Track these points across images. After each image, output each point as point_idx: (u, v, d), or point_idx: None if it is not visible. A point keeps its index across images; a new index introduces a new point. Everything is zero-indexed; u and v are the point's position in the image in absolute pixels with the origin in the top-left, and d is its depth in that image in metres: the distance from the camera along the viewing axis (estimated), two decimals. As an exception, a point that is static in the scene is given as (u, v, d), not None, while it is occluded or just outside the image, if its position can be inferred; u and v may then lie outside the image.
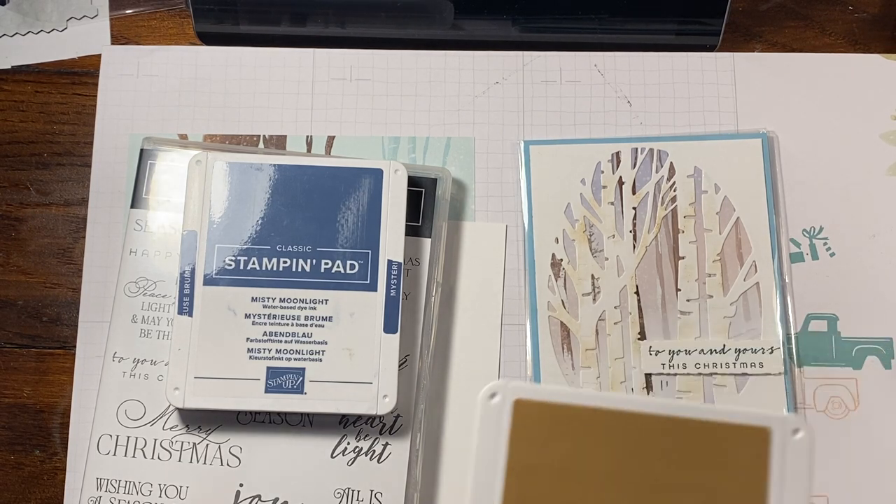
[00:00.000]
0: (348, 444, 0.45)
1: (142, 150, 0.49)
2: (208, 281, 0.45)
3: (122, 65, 0.52)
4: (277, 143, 0.51)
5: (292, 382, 0.44)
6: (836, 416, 0.47)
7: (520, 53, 0.52)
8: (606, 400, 0.26)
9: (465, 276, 0.49)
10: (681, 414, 0.25)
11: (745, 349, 0.47)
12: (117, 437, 0.45)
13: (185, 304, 0.45)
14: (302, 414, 0.45)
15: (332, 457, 0.45)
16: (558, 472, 0.25)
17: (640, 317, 0.48)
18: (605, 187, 0.50)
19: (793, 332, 0.48)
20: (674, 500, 0.24)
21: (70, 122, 0.52)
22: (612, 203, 0.50)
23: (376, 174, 0.46)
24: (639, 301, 0.48)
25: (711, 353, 0.48)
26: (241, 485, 0.45)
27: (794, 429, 0.26)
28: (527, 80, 0.52)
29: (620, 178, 0.50)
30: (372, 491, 0.45)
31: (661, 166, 0.50)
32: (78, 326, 0.48)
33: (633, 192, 0.50)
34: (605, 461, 0.25)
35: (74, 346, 0.48)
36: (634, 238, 0.49)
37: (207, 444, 0.45)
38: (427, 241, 0.48)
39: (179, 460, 0.45)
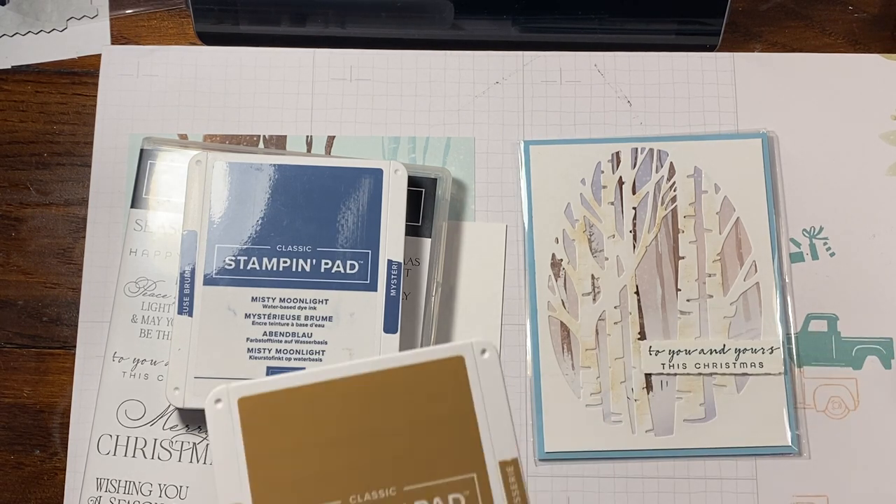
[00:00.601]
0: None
1: (142, 150, 0.49)
2: (208, 281, 0.45)
3: (122, 65, 0.52)
4: (277, 143, 0.51)
5: None
6: (836, 416, 0.47)
7: (520, 53, 0.52)
8: (318, 375, 0.28)
9: (465, 276, 0.49)
10: (385, 366, 0.28)
11: (745, 349, 0.47)
12: (117, 437, 0.45)
13: (185, 304, 0.45)
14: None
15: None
16: (295, 451, 0.28)
17: (640, 317, 0.48)
18: (605, 187, 0.50)
19: (793, 332, 0.48)
20: (401, 441, 0.28)
21: (70, 122, 0.52)
22: (612, 203, 0.50)
23: (376, 174, 0.46)
24: (639, 301, 0.48)
25: (711, 353, 0.48)
26: (241, 485, 0.45)
27: (482, 350, 0.29)
28: (527, 80, 0.52)
29: (620, 178, 0.50)
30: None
31: (661, 166, 0.50)
32: (78, 326, 0.48)
33: (633, 192, 0.50)
34: (334, 428, 0.28)
35: (74, 346, 0.48)
36: (634, 238, 0.49)
37: (207, 444, 0.45)
38: (427, 241, 0.48)
39: (179, 460, 0.45)
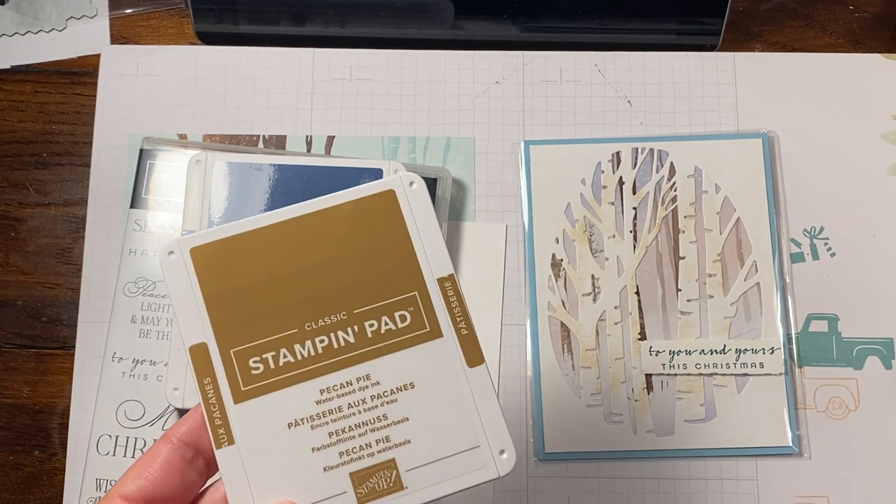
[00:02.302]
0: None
1: (141, 150, 0.49)
2: (208, 281, 0.45)
3: (122, 64, 0.51)
4: (277, 142, 0.51)
5: None
6: (836, 416, 0.47)
7: (520, 53, 0.52)
8: (262, 219, 0.31)
9: (465, 277, 0.49)
10: (324, 206, 0.31)
11: (746, 349, 0.47)
12: (117, 437, 0.45)
13: (185, 305, 0.45)
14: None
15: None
16: (249, 290, 0.30)
17: (641, 317, 0.48)
18: (605, 187, 0.50)
19: (793, 333, 0.48)
20: (346, 271, 0.30)
21: (69, 122, 0.52)
22: (613, 203, 0.49)
23: (376, 174, 0.46)
24: (639, 301, 0.48)
25: (712, 353, 0.47)
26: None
27: (410, 182, 0.31)
28: (527, 80, 0.52)
29: (621, 178, 0.50)
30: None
31: (662, 166, 0.50)
32: (77, 326, 0.48)
33: (634, 192, 0.50)
34: (282, 265, 0.30)
35: (74, 347, 0.48)
36: (635, 238, 0.49)
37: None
38: (427, 241, 0.47)
39: (179, 461, 0.45)
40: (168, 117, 0.51)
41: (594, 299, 0.48)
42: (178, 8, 0.54)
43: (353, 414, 0.30)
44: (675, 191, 0.49)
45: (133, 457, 0.45)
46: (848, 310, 0.48)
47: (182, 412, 0.45)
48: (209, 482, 0.30)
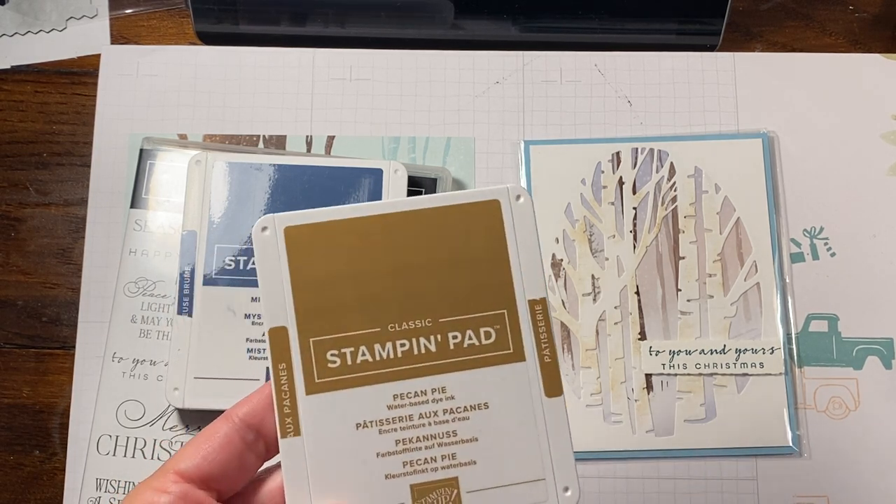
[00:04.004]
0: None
1: (141, 150, 0.49)
2: (208, 281, 0.45)
3: (122, 65, 0.51)
4: (277, 142, 0.51)
5: None
6: (836, 416, 0.47)
7: (520, 53, 0.52)
8: (361, 209, 0.30)
9: (466, 277, 0.49)
10: (426, 205, 0.30)
11: (746, 349, 0.47)
12: (117, 437, 0.45)
13: (185, 304, 0.45)
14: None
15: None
16: (337, 279, 0.29)
17: (641, 317, 0.48)
18: (605, 187, 0.50)
19: (793, 333, 0.48)
20: (438, 277, 0.29)
21: (69, 122, 0.52)
22: (613, 203, 0.49)
23: (376, 174, 0.46)
24: (639, 301, 0.48)
25: (712, 353, 0.47)
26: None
27: (517, 195, 0.30)
28: (527, 80, 0.52)
29: (621, 178, 0.50)
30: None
31: (662, 166, 0.50)
32: (77, 326, 0.48)
33: (634, 192, 0.50)
34: (375, 260, 0.29)
35: (74, 346, 0.48)
36: (635, 238, 0.49)
37: None
38: (427, 241, 0.47)
39: (179, 461, 0.45)
40: (168, 117, 0.51)
41: (594, 299, 0.48)
42: (178, 8, 0.54)
43: (424, 425, 0.29)
44: (675, 191, 0.49)
45: (133, 457, 0.45)
46: (848, 310, 0.48)
47: (182, 412, 0.46)
48: (264, 465, 0.30)
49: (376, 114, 0.51)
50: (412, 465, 0.29)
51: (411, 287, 0.29)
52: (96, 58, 0.52)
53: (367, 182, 0.46)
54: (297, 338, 0.29)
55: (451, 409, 0.29)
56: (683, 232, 0.49)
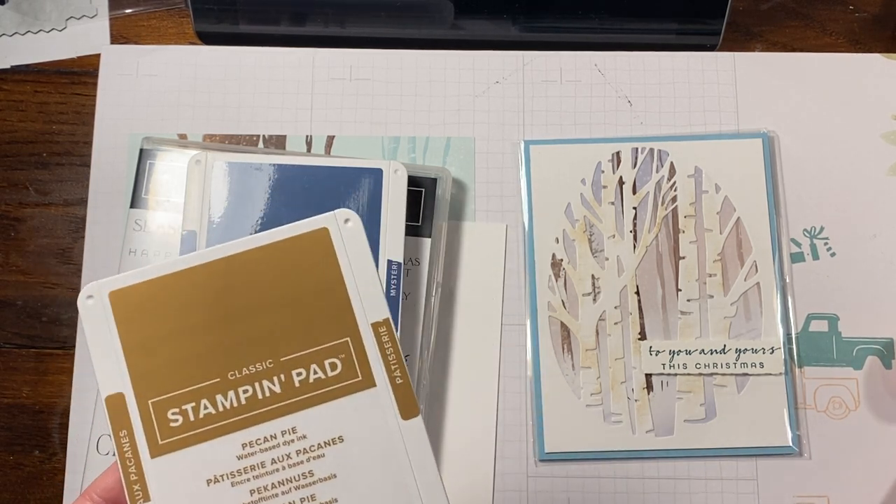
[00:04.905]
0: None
1: (141, 150, 0.49)
2: (208, 281, 0.45)
3: (122, 64, 0.51)
4: (277, 142, 0.51)
5: None
6: (836, 416, 0.47)
7: (520, 53, 0.52)
8: (186, 261, 0.29)
9: (465, 276, 0.49)
10: (253, 245, 0.29)
11: (746, 349, 0.47)
12: (117, 437, 0.45)
13: (185, 305, 0.45)
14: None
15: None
16: (170, 336, 0.28)
17: (641, 317, 0.48)
18: (605, 187, 0.50)
19: (793, 333, 0.48)
20: (274, 316, 0.29)
21: (69, 122, 0.52)
22: (613, 203, 0.49)
23: (376, 174, 0.46)
24: (639, 301, 0.48)
25: (712, 353, 0.47)
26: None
27: (345, 219, 0.30)
28: (527, 80, 0.52)
29: (621, 177, 0.50)
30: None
31: (662, 166, 0.50)
32: (77, 326, 0.48)
33: (634, 192, 0.50)
34: (207, 310, 0.29)
35: (74, 346, 0.48)
36: (635, 238, 0.49)
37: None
38: (427, 241, 0.48)
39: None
40: (168, 117, 0.51)
41: (594, 299, 0.48)
42: (178, 8, 0.54)
43: (277, 470, 0.28)
44: (675, 191, 0.49)
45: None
46: (848, 310, 0.48)
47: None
48: None
49: (376, 114, 0.51)
50: None
51: (247, 331, 0.29)
52: (96, 58, 0.52)
53: (367, 182, 0.46)
54: (136, 402, 0.28)
55: (305, 448, 0.28)
56: (683, 232, 0.49)
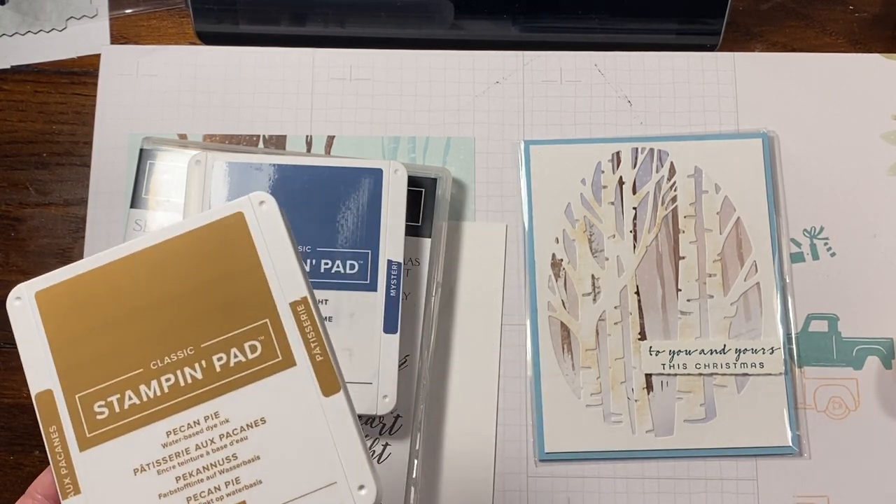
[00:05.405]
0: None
1: (141, 150, 0.49)
2: (208, 281, 0.45)
3: (122, 65, 0.51)
4: (277, 142, 0.51)
5: None
6: (836, 416, 0.47)
7: (520, 53, 0.52)
8: (107, 255, 0.29)
9: (465, 276, 0.49)
10: (170, 235, 0.29)
11: (746, 349, 0.47)
12: (117, 437, 0.45)
13: (185, 305, 0.45)
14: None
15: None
16: (94, 331, 0.29)
17: (641, 317, 0.48)
18: (605, 187, 0.50)
19: (793, 333, 0.48)
20: (194, 303, 0.29)
21: (69, 122, 0.52)
22: (613, 203, 0.49)
23: (376, 174, 0.46)
24: (639, 301, 0.48)
25: (712, 353, 0.47)
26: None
27: (260, 202, 0.30)
28: (527, 80, 0.52)
29: (621, 177, 0.50)
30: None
31: (662, 166, 0.50)
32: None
33: (634, 192, 0.50)
34: (127, 302, 0.29)
35: (74, 347, 0.48)
36: (635, 238, 0.49)
37: None
38: (427, 241, 0.48)
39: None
40: (168, 117, 0.51)
41: (594, 299, 0.48)
42: (178, 8, 0.54)
43: (201, 455, 0.28)
44: (675, 191, 0.49)
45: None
46: (848, 310, 0.48)
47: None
48: None
49: (376, 114, 0.51)
50: (196, 498, 0.28)
51: (167, 320, 0.29)
52: (96, 58, 0.52)
53: (367, 182, 0.46)
54: (63, 397, 0.29)
55: (228, 432, 0.28)
56: (683, 232, 0.49)
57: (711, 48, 0.52)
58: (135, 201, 0.48)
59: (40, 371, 0.29)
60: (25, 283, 0.29)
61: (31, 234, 0.50)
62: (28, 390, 0.48)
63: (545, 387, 0.47)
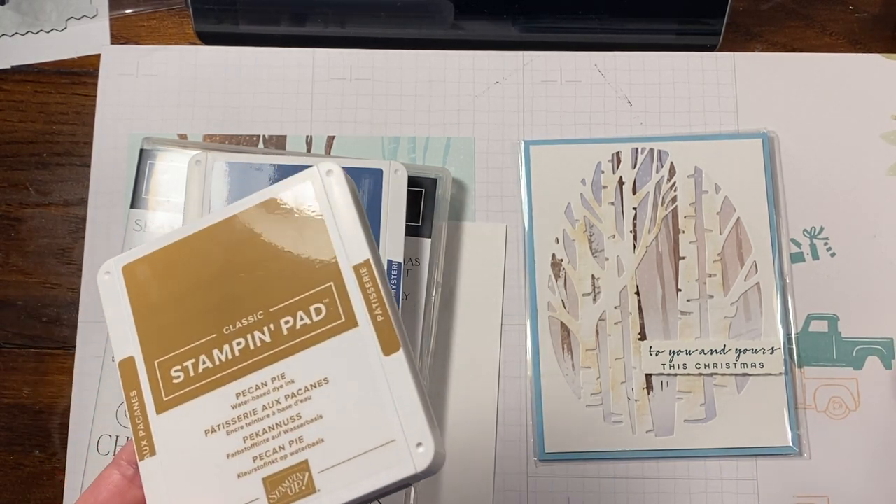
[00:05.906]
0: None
1: (141, 150, 0.49)
2: (208, 281, 0.45)
3: (122, 65, 0.51)
4: (277, 143, 0.51)
5: None
6: (836, 416, 0.47)
7: (520, 53, 0.52)
8: (187, 229, 0.31)
9: (465, 276, 0.49)
10: (244, 207, 0.31)
11: (746, 349, 0.47)
12: (117, 437, 0.45)
13: (185, 305, 0.45)
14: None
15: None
16: (173, 301, 0.30)
17: (641, 317, 0.48)
18: (605, 187, 0.50)
19: (793, 333, 0.48)
20: (264, 270, 0.30)
21: (69, 122, 0.52)
22: (613, 203, 0.49)
23: (376, 174, 0.46)
24: (639, 301, 0.48)
25: (712, 353, 0.47)
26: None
27: (327, 171, 0.31)
28: (527, 80, 0.52)
29: (621, 178, 0.50)
30: (372, 491, 0.45)
31: (662, 166, 0.50)
32: (77, 326, 0.48)
33: (634, 192, 0.50)
34: (204, 272, 0.30)
35: (74, 347, 0.48)
36: (635, 238, 0.49)
37: None
38: (427, 241, 0.48)
39: (179, 461, 0.45)
40: (168, 117, 0.51)
41: (594, 299, 0.48)
42: (178, 8, 0.54)
43: (267, 416, 0.29)
44: (675, 191, 0.49)
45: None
46: (848, 310, 0.48)
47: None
48: None
49: (376, 114, 0.51)
50: (262, 458, 0.28)
51: (240, 287, 0.30)
52: (96, 58, 0.52)
53: (367, 182, 0.46)
54: (144, 363, 0.30)
55: (293, 393, 0.29)
56: (683, 232, 0.49)
57: (711, 48, 0.52)
58: (135, 201, 0.48)
59: (124, 340, 0.30)
60: (113, 258, 0.31)
61: (31, 234, 0.50)
62: (28, 390, 0.48)
63: (545, 387, 0.47)
